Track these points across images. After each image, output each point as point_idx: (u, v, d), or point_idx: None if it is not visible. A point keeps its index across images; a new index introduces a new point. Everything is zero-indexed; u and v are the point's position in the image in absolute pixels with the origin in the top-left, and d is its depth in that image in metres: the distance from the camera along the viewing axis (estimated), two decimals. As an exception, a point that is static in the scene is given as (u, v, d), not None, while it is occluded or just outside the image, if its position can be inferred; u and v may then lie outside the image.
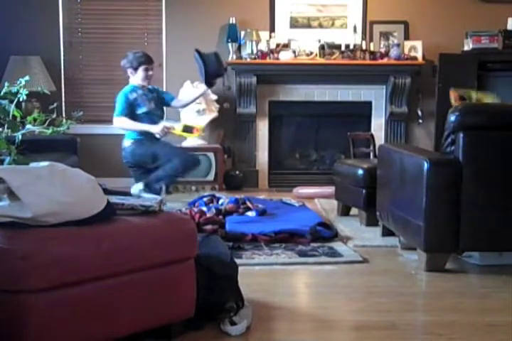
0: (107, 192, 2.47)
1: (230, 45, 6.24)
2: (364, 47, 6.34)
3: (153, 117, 5.20)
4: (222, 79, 6.35)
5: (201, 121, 6.21)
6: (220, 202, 4.87)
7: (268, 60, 6.25)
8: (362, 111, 6.57)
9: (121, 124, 5.12)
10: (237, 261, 3.04)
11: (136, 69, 5.17)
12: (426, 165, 3.43)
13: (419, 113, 6.48)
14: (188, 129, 5.20)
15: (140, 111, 5.14)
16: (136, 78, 5.21)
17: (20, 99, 3.93)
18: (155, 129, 5.08)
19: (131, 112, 5.10)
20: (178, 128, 5.18)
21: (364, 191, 4.55)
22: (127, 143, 5.18)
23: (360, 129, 6.34)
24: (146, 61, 5.19)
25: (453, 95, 4.07)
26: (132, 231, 2.39)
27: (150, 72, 5.22)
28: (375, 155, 5.53)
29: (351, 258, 3.81)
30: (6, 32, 6.24)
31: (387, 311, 2.94)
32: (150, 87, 5.33)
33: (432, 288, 3.38)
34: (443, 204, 3.45)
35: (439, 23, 6.42)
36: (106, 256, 2.25)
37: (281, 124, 6.73)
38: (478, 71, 6.06)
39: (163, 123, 5.13)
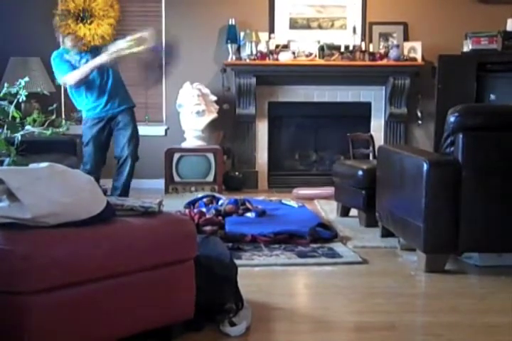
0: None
1: (229, 46, 6.24)
2: (363, 48, 6.35)
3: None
4: (221, 80, 6.37)
5: (201, 122, 6.22)
6: (220, 202, 4.87)
7: (267, 61, 6.25)
8: (361, 112, 6.57)
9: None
10: (237, 261, 3.03)
11: None
12: (425, 166, 3.43)
13: (419, 114, 6.48)
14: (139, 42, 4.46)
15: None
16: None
17: (20, 100, 3.94)
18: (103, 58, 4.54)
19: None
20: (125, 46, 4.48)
21: (363, 192, 4.55)
22: None
23: (359, 130, 6.33)
24: None
25: None
26: (132, 232, 2.39)
27: None
28: (374, 156, 5.53)
29: (351, 259, 3.81)
30: (6, 33, 6.23)
31: (387, 312, 2.94)
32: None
33: (431, 288, 3.38)
34: (442, 205, 3.45)
35: (438, 24, 6.42)
36: (106, 257, 2.25)
37: (280, 125, 6.73)
38: (477, 72, 6.06)
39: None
